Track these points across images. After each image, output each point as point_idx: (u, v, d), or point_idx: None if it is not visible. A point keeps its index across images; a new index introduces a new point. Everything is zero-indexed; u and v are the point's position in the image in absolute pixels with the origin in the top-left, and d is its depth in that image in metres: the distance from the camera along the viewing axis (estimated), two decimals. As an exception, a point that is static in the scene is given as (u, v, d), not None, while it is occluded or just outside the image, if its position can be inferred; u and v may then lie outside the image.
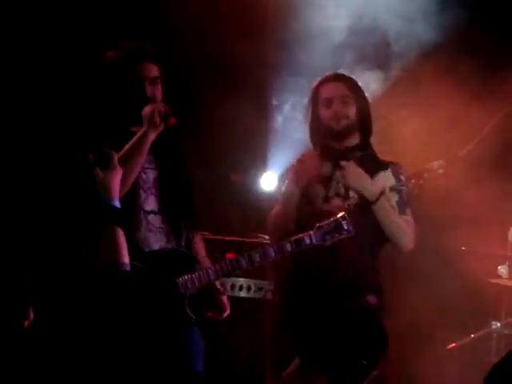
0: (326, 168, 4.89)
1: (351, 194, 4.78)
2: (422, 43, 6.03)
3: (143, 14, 6.30)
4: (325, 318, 3.39)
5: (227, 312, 4.47)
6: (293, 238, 4.48)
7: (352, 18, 6.04)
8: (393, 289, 4.78)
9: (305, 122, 4.98)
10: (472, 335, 5.61)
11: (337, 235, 4.50)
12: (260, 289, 5.54)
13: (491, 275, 5.43)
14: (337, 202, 4.81)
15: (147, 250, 4.23)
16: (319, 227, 4.50)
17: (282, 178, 5.62)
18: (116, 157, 3.54)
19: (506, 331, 5.44)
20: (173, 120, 4.36)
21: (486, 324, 5.55)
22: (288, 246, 4.44)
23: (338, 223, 4.51)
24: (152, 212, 4.36)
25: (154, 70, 4.43)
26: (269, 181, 6.73)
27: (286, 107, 6.50)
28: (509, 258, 5.42)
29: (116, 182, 3.48)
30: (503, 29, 6.17)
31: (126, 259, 3.30)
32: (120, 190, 4.00)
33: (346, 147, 4.80)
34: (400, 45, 6.08)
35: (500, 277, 5.46)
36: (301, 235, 4.51)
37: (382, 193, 4.62)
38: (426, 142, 5.63)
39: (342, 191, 4.82)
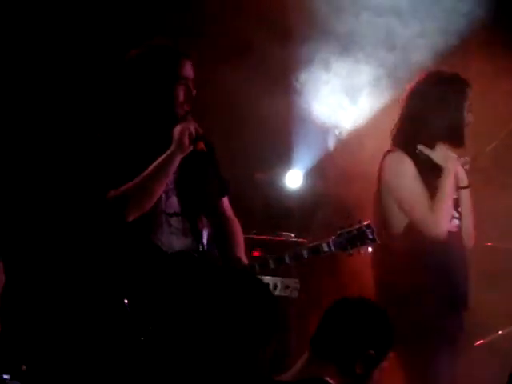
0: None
1: None
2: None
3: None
4: (334, 310, 3.42)
5: None
6: (310, 245, 4.42)
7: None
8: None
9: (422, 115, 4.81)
10: (500, 332, 5.57)
11: (360, 244, 4.41)
12: (287, 287, 5.59)
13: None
14: None
15: (170, 251, 4.24)
16: (340, 234, 4.42)
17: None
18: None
19: None
20: (201, 145, 4.34)
21: None
22: (305, 253, 4.37)
23: (361, 231, 4.42)
24: (174, 214, 4.37)
25: (192, 70, 4.40)
26: (294, 178, 6.73)
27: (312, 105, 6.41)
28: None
29: None
30: None
31: None
32: (144, 206, 4.23)
33: None
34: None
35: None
36: (319, 242, 4.43)
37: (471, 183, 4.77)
38: None
39: None
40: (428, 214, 4.60)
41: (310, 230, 6.08)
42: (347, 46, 6.12)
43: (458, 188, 4.76)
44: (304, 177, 6.71)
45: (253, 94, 6.19)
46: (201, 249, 4.28)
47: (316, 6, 6.17)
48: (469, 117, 4.74)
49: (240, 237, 4.58)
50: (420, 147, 4.72)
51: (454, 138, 4.78)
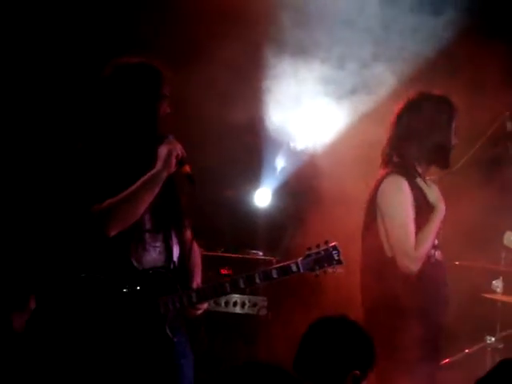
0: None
1: None
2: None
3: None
4: (316, 330, 3.42)
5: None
6: (279, 265, 4.41)
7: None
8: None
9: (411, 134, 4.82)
10: (466, 350, 5.62)
11: (326, 265, 4.40)
12: (254, 305, 5.61)
13: (485, 290, 5.44)
14: None
15: (141, 268, 4.23)
16: (308, 255, 4.41)
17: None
18: None
19: (501, 346, 5.45)
20: (187, 169, 4.37)
21: (481, 339, 5.58)
22: (274, 273, 4.36)
23: (328, 253, 4.42)
24: (147, 230, 4.33)
25: (169, 89, 4.46)
26: (262, 197, 6.68)
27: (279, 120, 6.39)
28: (503, 272, 5.42)
29: None
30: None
31: None
32: (126, 222, 4.22)
33: None
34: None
35: (494, 291, 5.48)
36: (288, 262, 4.42)
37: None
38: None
39: None
40: (411, 251, 4.61)
41: (278, 249, 6.08)
42: (315, 60, 6.04)
43: None
44: (272, 195, 6.64)
45: (220, 109, 6.14)
46: (172, 266, 4.27)
47: (282, 19, 6.09)
48: (455, 139, 4.78)
49: (199, 267, 4.59)
50: (418, 180, 4.75)
51: (442, 159, 4.80)
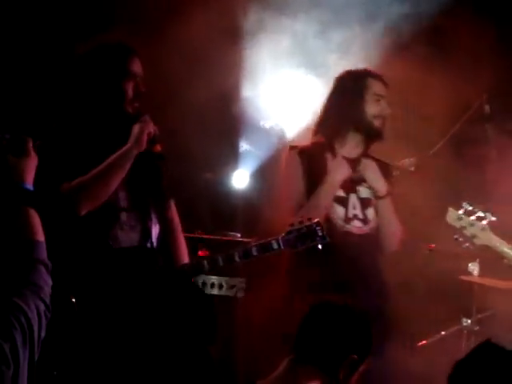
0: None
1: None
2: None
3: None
4: (316, 313, 3.44)
5: None
6: (259, 242, 4.42)
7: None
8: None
9: (328, 112, 5.01)
10: (442, 332, 5.69)
11: (309, 241, 4.41)
12: (232, 286, 5.62)
13: (462, 272, 5.52)
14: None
15: (117, 247, 4.25)
16: (289, 232, 4.42)
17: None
18: (30, 143, 3.46)
19: (477, 328, 5.52)
20: (158, 148, 4.41)
21: (457, 321, 5.65)
22: (254, 251, 4.37)
23: (311, 229, 4.43)
24: (123, 209, 4.35)
25: (140, 67, 4.48)
26: (240, 178, 6.72)
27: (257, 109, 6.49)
28: (479, 255, 5.45)
29: (29, 168, 3.46)
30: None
31: (42, 237, 3.25)
32: (98, 200, 4.25)
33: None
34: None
35: (470, 274, 5.56)
36: (268, 239, 4.43)
37: (390, 191, 4.93)
38: (397, 139, 5.60)
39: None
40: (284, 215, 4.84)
41: (256, 230, 5.99)
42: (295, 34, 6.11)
43: (376, 198, 4.94)
44: (250, 177, 6.68)
45: (198, 87, 6.11)
46: (149, 245, 4.29)
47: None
48: (379, 109, 4.88)
49: (184, 243, 4.63)
50: (328, 156, 4.99)
51: (368, 131, 4.94)
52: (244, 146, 6.69)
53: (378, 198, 4.95)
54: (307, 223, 4.39)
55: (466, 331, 5.59)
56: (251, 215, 6.32)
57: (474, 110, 5.87)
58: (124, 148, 4.32)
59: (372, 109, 4.96)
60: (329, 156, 5.02)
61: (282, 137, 6.39)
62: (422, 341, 5.71)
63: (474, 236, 4.80)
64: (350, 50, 5.94)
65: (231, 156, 6.73)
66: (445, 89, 5.85)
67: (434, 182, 5.60)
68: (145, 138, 4.36)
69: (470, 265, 5.55)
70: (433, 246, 5.62)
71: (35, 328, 2.99)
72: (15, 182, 3.28)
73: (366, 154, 5.07)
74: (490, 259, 5.33)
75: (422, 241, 5.67)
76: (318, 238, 4.40)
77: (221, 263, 4.31)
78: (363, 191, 5.01)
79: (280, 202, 5.14)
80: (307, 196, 4.97)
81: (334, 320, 3.39)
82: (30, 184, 3.34)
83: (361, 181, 5.02)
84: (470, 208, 4.85)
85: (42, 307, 3.03)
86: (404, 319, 5.32)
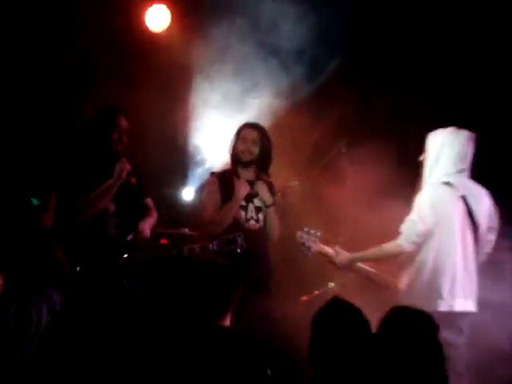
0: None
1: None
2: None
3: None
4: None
5: None
6: (201, 244, 5.14)
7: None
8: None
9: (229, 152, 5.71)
10: (316, 291, 6.46)
11: (232, 246, 5.14)
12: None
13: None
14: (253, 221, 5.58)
15: (110, 237, 5.24)
16: (221, 239, 5.18)
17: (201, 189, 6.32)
18: (51, 200, 4.03)
19: (337, 289, 6.23)
20: (133, 180, 5.32)
21: (325, 284, 6.42)
22: (197, 249, 5.09)
23: (234, 238, 5.16)
24: (113, 215, 5.35)
25: (125, 122, 5.35)
26: (188, 193, 7.71)
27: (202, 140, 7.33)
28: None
29: (49, 218, 4.00)
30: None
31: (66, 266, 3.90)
32: (94, 211, 5.07)
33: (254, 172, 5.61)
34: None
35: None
36: (207, 243, 5.19)
37: (275, 202, 5.71)
38: (286, 167, 6.45)
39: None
40: (204, 221, 5.63)
41: (198, 227, 6.34)
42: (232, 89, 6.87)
43: (265, 207, 5.71)
44: (194, 192, 7.65)
45: (159, 131, 7.10)
46: (128, 238, 5.31)
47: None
48: (244, 146, 5.60)
49: (151, 219, 5.40)
50: (234, 178, 5.66)
51: (235, 159, 5.72)
52: (189, 171, 7.53)
53: (266, 206, 5.68)
54: (232, 235, 5.19)
55: (331, 291, 6.20)
56: (195, 217, 6.68)
57: (335, 150, 6.71)
58: (110, 181, 5.17)
59: (240, 147, 5.70)
60: (235, 179, 5.67)
61: (209, 166, 7.16)
62: (303, 297, 6.49)
63: (309, 246, 5.71)
64: (256, 111, 6.77)
65: (181, 178, 7.64)
66: (318, 135, 7.03)
67: (308, 196, 6.57)
68: (124, 174, 5.22)
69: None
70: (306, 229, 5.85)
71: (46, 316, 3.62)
72: (43, 228, 3.95)
73: (259, 178, 5.75)
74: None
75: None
76: (238, 245, 5.17)
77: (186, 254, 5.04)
78: (257, 202, 5.72)
79: (207, 207, 5.71)
80: (222, 204, 5.63)
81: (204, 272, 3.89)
82: (48, 226, 3.93)
83: (256, 195, 5.72)
84: (306, 229, 5.74)
85: (52, 305, 3.69)
86: (287, 282, 6.24)
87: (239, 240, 5.10)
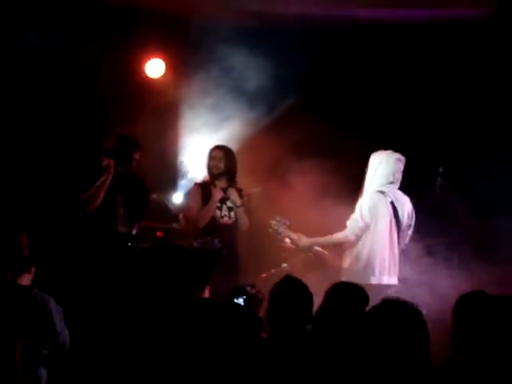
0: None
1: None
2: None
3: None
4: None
5: None
6: (188, 243, 6.25)
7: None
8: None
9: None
10: (273, 270, 7.51)
11: (211, 246, 6.35)
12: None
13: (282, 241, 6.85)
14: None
15: (119, 233, 6.40)
16: (203, 238, 6.42)
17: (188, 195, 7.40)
18: None
19: (290, 269, 7.05)
20: (119, 169, 6.41)
21: (280, 264, 7.58)
22: (185, 244, 6.11)
23: (212, 239, 6.43)
24: (122, 215, 6.59)
25: (139, 154, 6.48)
26: (177, 197, 8.84)
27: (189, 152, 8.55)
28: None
29: None
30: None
31: None
32: (97, 201, 6.23)
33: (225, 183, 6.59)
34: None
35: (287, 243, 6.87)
36: (192, 241, 6.37)
37: (243, 204, 6.95)
38: (251, 176, 7.61)
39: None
40: (191, 218, 6.74)
41: (185, 223, 7.66)
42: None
43: (236, 207, 6.84)
44: (183, 196, 8.77)
45: (155, 149, 8.08)
46: (133, 232, 6.63)
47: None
48: (212, 163, 6.62)
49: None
50: (212, 187, 6.76)
51: (210, 172, 6.83)
52: (177, 181, 8.74)
53: (236, 207, 6.93)
54: (211, 236, 6.38)
55: (284, 270, 7.20)
56: (182, 215, 7.93)
57: (288, 164, 8.07)
58: (103, 177, 6.32)
59: (210, 163, 6.87)
60: (212, 187, 6.91)
61: (192, 178, 8.25)
62: (262, 274, 7.53)
63: (280, 232, 6.70)
64: (229, 136, 8.00)
65: (172, 186, 8.85)
66: (275, 154, 8.15)
67: (267, 199, 7.72)
68: (112, 167, 6.23)
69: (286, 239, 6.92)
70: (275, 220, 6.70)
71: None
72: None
73: (230, 186, 6.97)
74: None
75: (266, 227, 6.99)
76: (215, 245, 6.35)
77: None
78: (229, 203, 6.98)
79: (192, 208, 7.00)
80: (203, 206, 6.85)
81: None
82: None
83: (228, 198, 6.98)
84: (278, 218, 6.80)
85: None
86: (251, 263, 7.30)
87: (216, 241, 6.54)
